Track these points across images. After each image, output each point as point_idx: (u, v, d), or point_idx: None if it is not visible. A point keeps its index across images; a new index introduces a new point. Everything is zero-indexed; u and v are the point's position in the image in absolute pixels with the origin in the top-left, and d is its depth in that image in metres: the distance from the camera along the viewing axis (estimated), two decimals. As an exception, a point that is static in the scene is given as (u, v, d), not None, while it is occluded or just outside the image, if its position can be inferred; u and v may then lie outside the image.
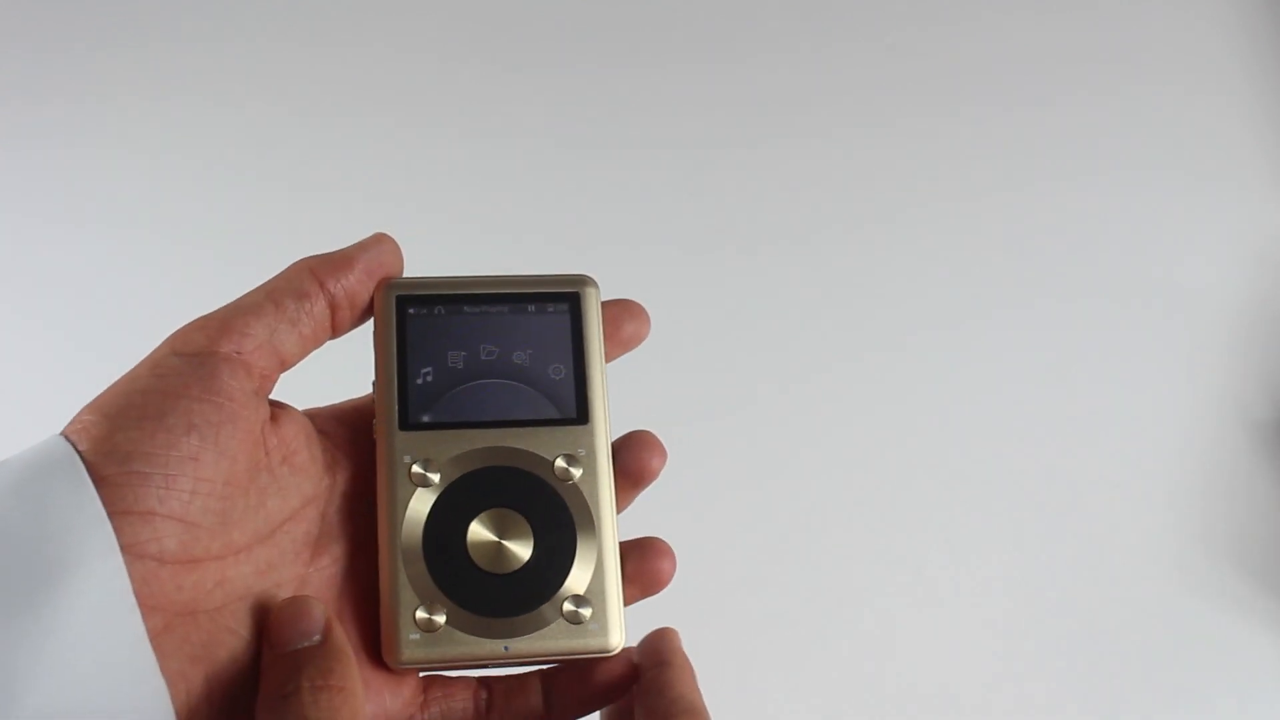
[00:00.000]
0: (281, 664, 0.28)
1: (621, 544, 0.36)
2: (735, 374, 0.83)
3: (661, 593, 0.38)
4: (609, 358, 0.38)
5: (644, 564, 0.36)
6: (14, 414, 0.73)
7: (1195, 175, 0.90)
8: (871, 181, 0.90)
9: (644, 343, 0.39)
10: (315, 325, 0.34)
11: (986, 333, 0.84)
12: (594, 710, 0.36)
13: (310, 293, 0.34)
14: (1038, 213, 0.89)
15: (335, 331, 0.36)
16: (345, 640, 0.31)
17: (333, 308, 0.35)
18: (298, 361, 0.34)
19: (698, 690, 0.34)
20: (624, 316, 0.38)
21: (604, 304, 0.38)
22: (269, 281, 0.34)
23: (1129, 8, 0.96)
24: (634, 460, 0.36)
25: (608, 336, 0.38)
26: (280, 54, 0.93)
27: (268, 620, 0.29)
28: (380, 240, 0.36)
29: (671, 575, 0.36)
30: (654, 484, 0.38)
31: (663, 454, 0.37)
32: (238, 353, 0.32)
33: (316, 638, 0.28)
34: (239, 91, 0.92)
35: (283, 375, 0.35)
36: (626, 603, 0.36)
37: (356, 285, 0.35)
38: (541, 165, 0.89)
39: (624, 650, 0.35)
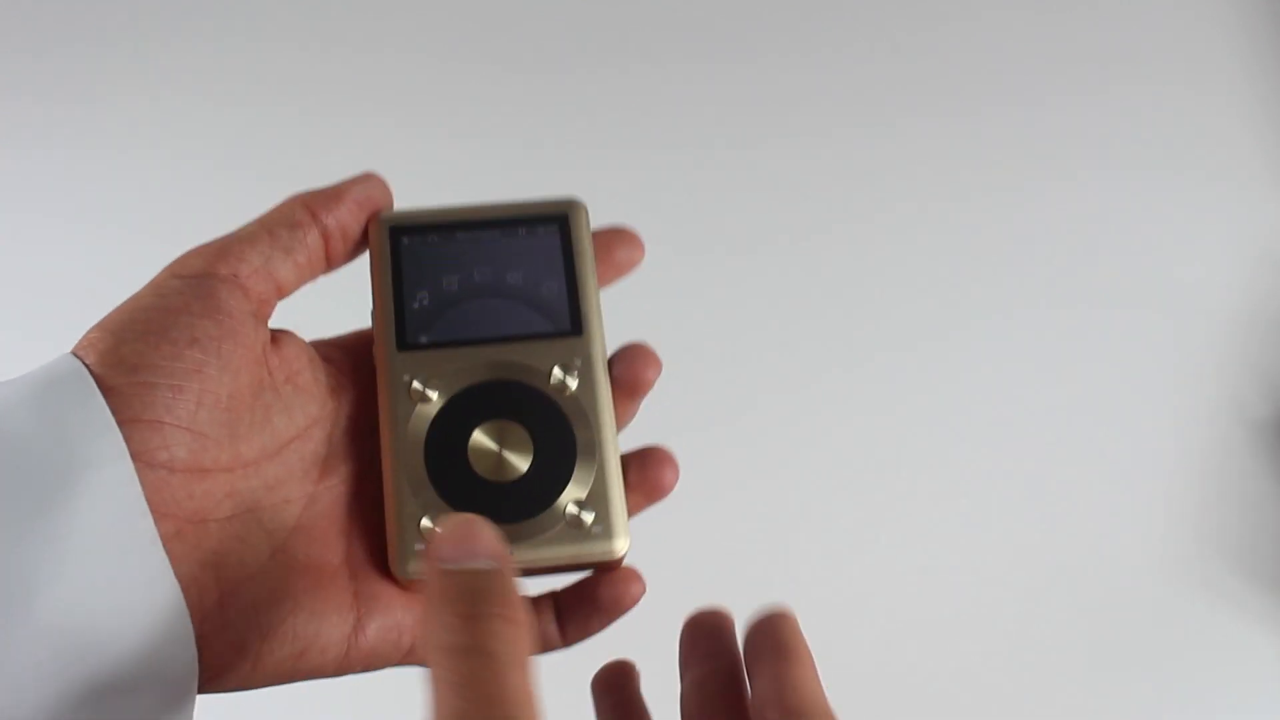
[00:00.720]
0: (453, 583, 0.27)
1: (624, 455, 0.36)
2: (734, 374, 0.83)
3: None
4: (604, 282, 0.38)
5: (646, 471, 0.36)
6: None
7: (1195, 175, 0.90)
8: (871, 181, 0.90)
9: (638, 267, 0.40)
10: (309, 254, 0.35)
11: (985, 332, 0.84)
12: (603, 627, 0.36)
13: (303, 222, 0.35)
14: (1037, 213, 0.89)
15: (330, 263, 0.36)
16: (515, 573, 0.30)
17: (325, 238, 0.35)
18: (294, 289, 0.35)
19: (823, 690, 0.33)
20: (616, 242, 0.39)
21: (596, 231, 0.39)
22: (263, 215, 0.35)
23: (1129, 8, 0.96)
24: (628, 371, 0.37)
25: (601, 261, 0.38)
26: (280, 54, 0.93)
27: (435, 535, 0.28)
28: (369, 177, 0.38)
29: (674, 482, 0.36)
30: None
31: (657, 365, 0.37)
32: (234, 275, 0.33)
33: (489, 564, 0.27)
34: (239, 91, 0.92)
35: (289, 314, 0.35)
36: (631, 511, 0.36)
37: (348, 217, 0.36)
38: (541, 165, 0.89)
39: (629, 567, 0.35)
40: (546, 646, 0.35)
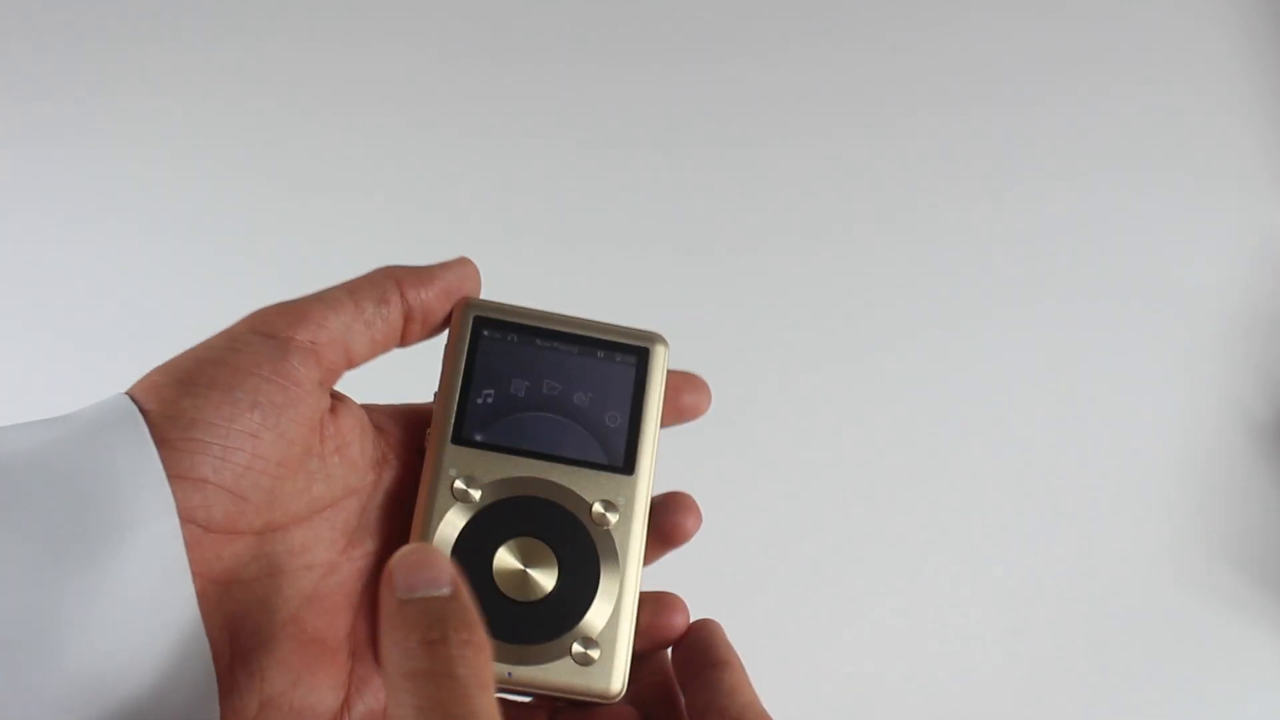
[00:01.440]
0: (412, 610, 0.27)
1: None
2: (735, 374, 0.83)
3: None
4: (665, 423, 0.39)
5: (657, 618, 0.37)
6: (13, 416, 0.73)
7: (1195, 175, 0.90)
8: (871, 181, 0.90)
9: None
10: (388, 330, 0.35)
11: (985, 332, 0.84)
12: None
13: (390, 299, 0.35)
14: (1037, 213, 0.89)
15: (404, 341, 0.36)
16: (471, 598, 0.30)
17: (407, 318, 0.36)
18: (364, 362, 0.35)
19: (758, 696, 0.34)
20: (685, 387, 0.39)
21: (669, 371, 0.39)
22: (352, 281, 0.35)
23: (1129, 8, 0.96)
24: (670, 519, 0.37)
25: (666, 401, 0.39)
26: (281, 53, 0.93)
27: (391, 564, 0.28)
28: (464, 264, 0.38)
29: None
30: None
31: (698, 518, 0.37)
32: (311, 342, 0.33)
33: (447, 590, 0.28)
34: (239, 91, 0.92)
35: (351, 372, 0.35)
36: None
37: (434, 301, 0.36)
38: (541, 165, 0.89)
39: (623, 704, 0.36)
40: None
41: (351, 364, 0.35)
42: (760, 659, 0.73)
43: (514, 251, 0.84)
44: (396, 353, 0.37)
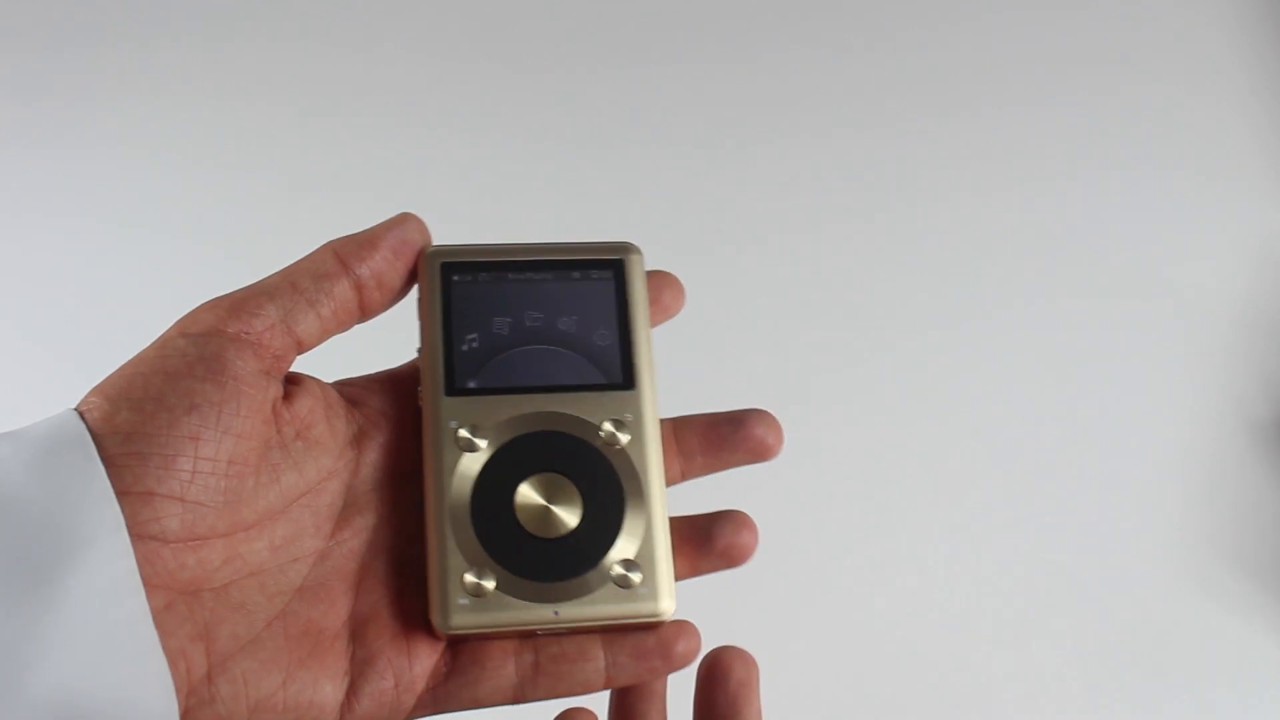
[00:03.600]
0: None
1: (704, 515, 0.36)
2: (735, 374, 0.83)
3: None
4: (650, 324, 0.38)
5: (735, 536, 0.36)
6: (13, 416, 0.72)
7: (1195, 175, 0.90)
8: (871, 181, 0.90)
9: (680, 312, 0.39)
10: (337, 306, 0.34)
11: (986, 333, 0.84)
12: (656, 678, 0.35)
13: (332, 273, 0.34)
14: (1037, 213, 0.89)
15: (365, 313, 0.35)
16: None
17: (359, 289, 0.34)
18: (320, 342, 0.34)
19: None
20: (661, 285, 0.38)
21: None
22: (292, 264, 0.34)
23: (1129, 8, 0.96)
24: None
25: (649, 303, 0.38)
26: (281, 54, 0.93)
27: None
28: (405, 219, 0.36)
29: (754, 549, 0.36)
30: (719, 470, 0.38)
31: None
32: (245, 333, 0.32)
33: None
34: (239, 91, 0.92)
35: (325, 349, 0.34)
36: (704, 573, 0.36)
37: (383, 265, 0.35)
38: (540, 165, 0.89)
39: (681, 622, 0.35)
40: (583, 689, 0.34)
41: (303, 347, 0.33)
42: (761, 658, 0.73)
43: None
44: (373, 322, 0.36)
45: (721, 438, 0.37)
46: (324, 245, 0.35)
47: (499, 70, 0.93)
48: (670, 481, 0.36)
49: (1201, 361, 0.83)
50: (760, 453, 0.37)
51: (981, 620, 0.75)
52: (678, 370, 0.81)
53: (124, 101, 0.91)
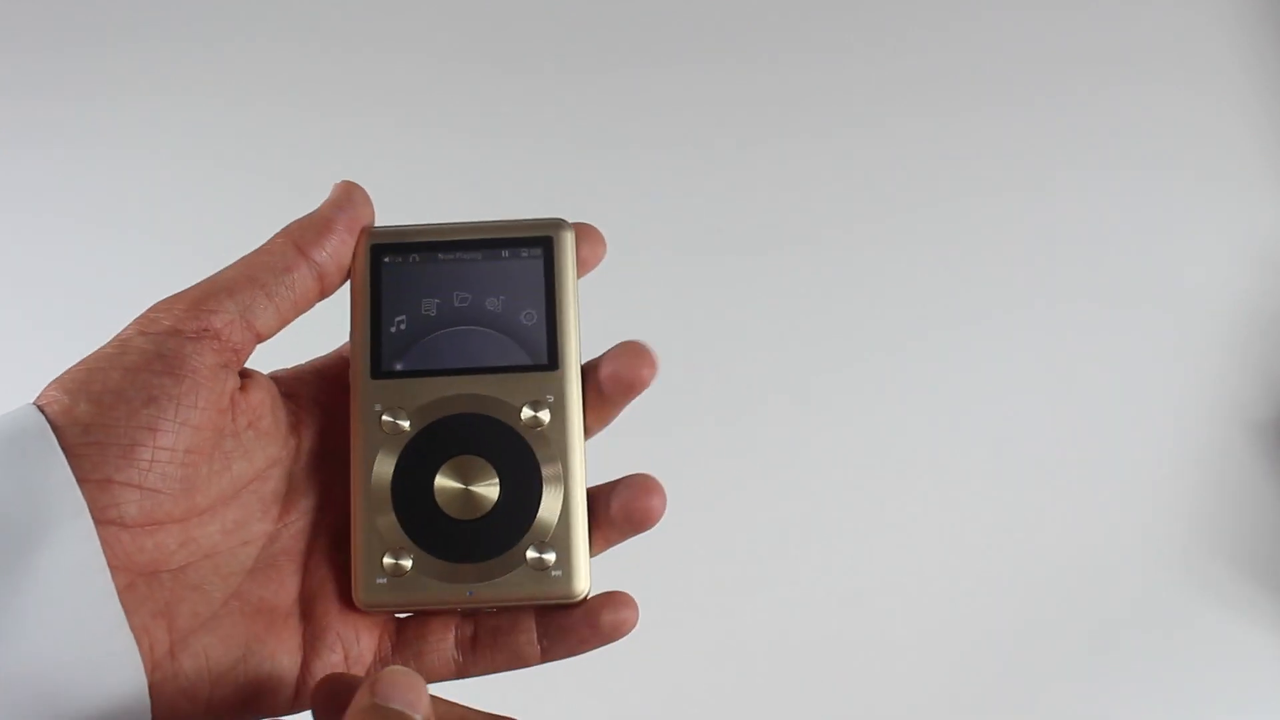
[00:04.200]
0: (381, 715, 0.29)
1: (609, 482, 0.36)
2: (733, 373, 0.83)
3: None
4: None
5: (634, 501, 0.35)
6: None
7: (1195, 175, 0.90)
8: (871, 182, 0.90)
9: (600, 262, 0.39)
10: (296, 295, 0.35)
11: (986, 333, 0.84)
12: (591, 649, 0.35)
13: (293, 265, 0.34)
14: (1037, 213, 0.89)
15: (324, 294, 0.36)
16: None
17: (320, 276, 0.35)
18: (277, 331, 0.35)
19: None
20: (580, 239, 0.38)
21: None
22: (250, 255, 0.35)
23: (1129, 8, 0.96)
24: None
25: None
26: (281, 54, 0.93)
27: (379, 675, 0.29)
28: (350, 191, 0.37)
29: (662, 512, 0.36)
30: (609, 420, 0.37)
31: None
32: (204, 329, 0.33)
33: (418, 717, 0.29)
34: (240, 91, 0.92)
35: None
36: (616, 542, 0.36)
37: (341, 247, 0.36)
38: (540, 165, 0.89)
39: (613, 592, 0.35)
40: (520, 663, 0.35)
41: (261, 338, 0.34)
42: (760, 657, 0.73)
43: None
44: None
45: (593, 386, 0.36)
46: (280, 234, 0.35)
47: (499, 70, 0.93)
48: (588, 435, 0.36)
49: (1201, 362, 0.83)
50: (627, 388, 0.36)
51: (981, 620, 0.75)
52: (677, 370, 0.81)
53: (124, 102, 0.91)
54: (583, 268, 0.38)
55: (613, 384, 0.36)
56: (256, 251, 0.35)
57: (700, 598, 0.74)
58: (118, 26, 0.94)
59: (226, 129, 0.90)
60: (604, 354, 0.36)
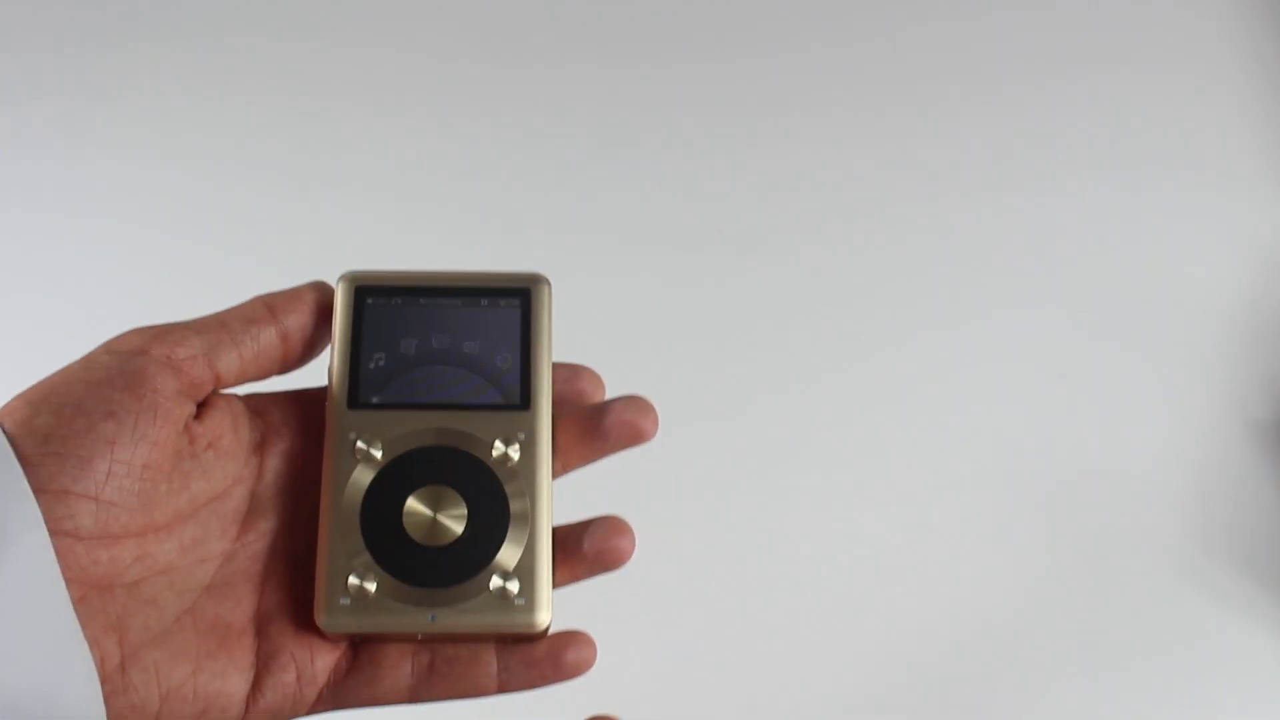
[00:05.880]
0: None
1: (580, 522, 0.37)
2: (732, 373, 0.83)
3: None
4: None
5: (606, 541, 0.36)
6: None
7: (1195, 175, 0.90)
8: (870, 181, 0.90)
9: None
10: (259, 350, 0.36)
11: (986, 333, 0.84)
12: (548, 684, 0.36)
13: (260, 319, 0.36)
14: (1037, 213, 0.89)
15: (286, 364, 0.37)
16: None
17: (284, 338, 0.36)
18: (238, 382, 0.36)
19: None
20: (577, 377, 0.39)
21: (564, 364, 0.39)
22: (224, 309, 0.36)
23: (1129, 8, 0.96)
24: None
25: (564, 382, 0.38)
26: (281, 54, 0.93)
27: None
28: (322, 286, 0.38)
29: (631, 553, 0.37)
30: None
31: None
32: (168, 357, 0.34)
33: None
34: (240, 91, 0.92)
35: None
36: (583, 578, 0.37)
37: (307, 320, 0.37)
38: (540, 164, 0.90)
39: (574, 632, 0.36)
40: (475, 693, 0.35)
41: (222, 382, 0.35)
42: (759, 657, 0.73)
43: (513, 249, 0.84)
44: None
45: (593, 427, 0.38)
46: (258, 296, 0.37)
47: (499, 70, 0.93)
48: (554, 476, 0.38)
49: (1202, 362, 0.83)
50: (631, 436, 0.37)
51: (981, 620, 0.75)
52: (675, 370, 0.81)
53: (124, 101, 0.91)
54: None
55: (619, 430, 0.37)
56: (232, 306, 0.36)
57: (690, 595, 0.74)
58: (118, 26, 0.94)
59: (226, 129, 0.90)
60: (612, 401, 0.37)
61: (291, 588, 0.35)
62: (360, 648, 0.36)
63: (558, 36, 0.95)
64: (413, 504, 0.36)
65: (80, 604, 0.31)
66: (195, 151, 0.90)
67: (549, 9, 0.96)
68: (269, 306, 0.36)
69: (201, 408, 0.35)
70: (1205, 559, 0.77)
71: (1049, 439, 0.81)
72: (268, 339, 0.36)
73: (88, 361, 0.34)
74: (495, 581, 0.35)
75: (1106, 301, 0.85)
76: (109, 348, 0.34)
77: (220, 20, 0.94)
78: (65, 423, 0.31)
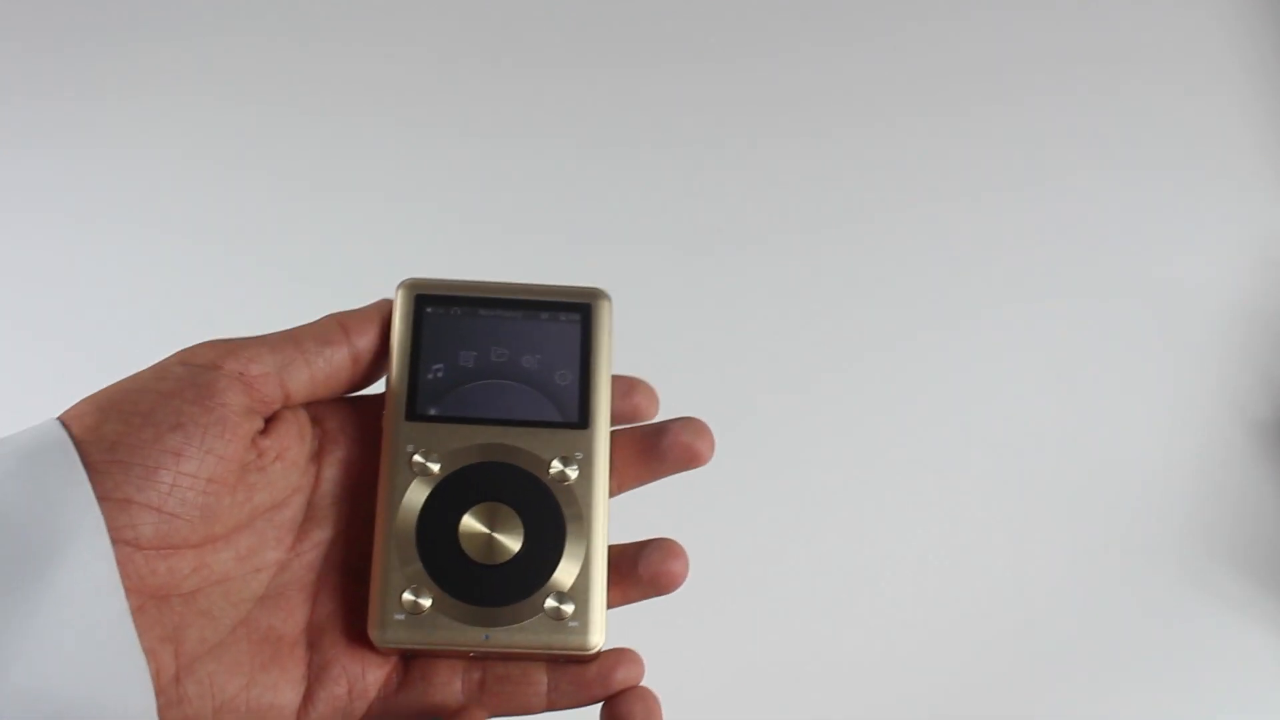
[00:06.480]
0: None
1: (635, 543, 0.37)
2: (733, 373, 0.83)
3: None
4: (617, 420, 0.38)
5: (661, 565, 0.36)
6: (12, 416, 0.72)
7: (1195, 175, 0.90)
8: (870, 181, 0.90)
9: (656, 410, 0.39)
10: (331, 370, 0.36)
11: (985, 332, 0.84)
12: (595, 702, 0.36)
13: (334, 339, 0.36)
14: (1037, 212, 0.89)
15: (354, 385, 0.37)
16: None
17: (354, 360, 0.36)
18: (307, 399, 0.36)
19: None
20: (634, 391, 0.39)
21: (623, 376, 0.39)
22: (298, 326, 0.36)
23: (1129, 8, 0.96)
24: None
25: (619, 397, 0.38)
26: (281, 54, 0.93)
27: None
28: (389, 304, 0.38)
29: (685, 577, 0.37)
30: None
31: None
32: (240, 373, 0.33)
33: None
34: (240, 91, 0.92)
35: None
36: (635, 600, 0.36)
37: (379, 342, 0.37)
38: (540, 164, 0.89)
39: (623, 650, 0.36)
40: (524, 711, 0.35)
41: (291, 400, 0.35)
42: (757, 658, 0.73)
43: (512, 249, 0.84)
44: None
45: (650, 448, 0.37)
46: (331, 315, 0.37)
47: (499, 70, 0.93)
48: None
49: (1202, 361, 0.83)
50: (689, 459, 0.37)
51: (980, 620, 0.75)
52: (674, 370, 0.81)
53: (124, 101, 0.91)
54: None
55: (676, 452, 0.37)
56: (305, 324, 0.36)
57: (708, 599, 0.74)
58: (118, 26, 0.94)
59: (226, 129, 0.90)
60: (669, 422, 0.37)
61: (344, 598, 0.35)
62: (411, 662, 0.35)
63: (557, 36, 0.95)
64: (469, 521, 0.36)
65: (138, 614, 0.31)
66: (196, 152, 0.90)
67: (549, 9, 0.96)
68: (343, 326, 0.36)
69: (269, 421, 0.35)
70: (1205, 559, 0.77)
71: (1048, 437, 0.81)
72: (340, 360, 0.36)
73: (160, 371, 0.33)
74: (550, 602, 0.35)
75: (1106, 301, 0.85)
76: (182, 359, 0.34)
77: (220, 20, 0.94)
78: (133, 431, 0.31)
